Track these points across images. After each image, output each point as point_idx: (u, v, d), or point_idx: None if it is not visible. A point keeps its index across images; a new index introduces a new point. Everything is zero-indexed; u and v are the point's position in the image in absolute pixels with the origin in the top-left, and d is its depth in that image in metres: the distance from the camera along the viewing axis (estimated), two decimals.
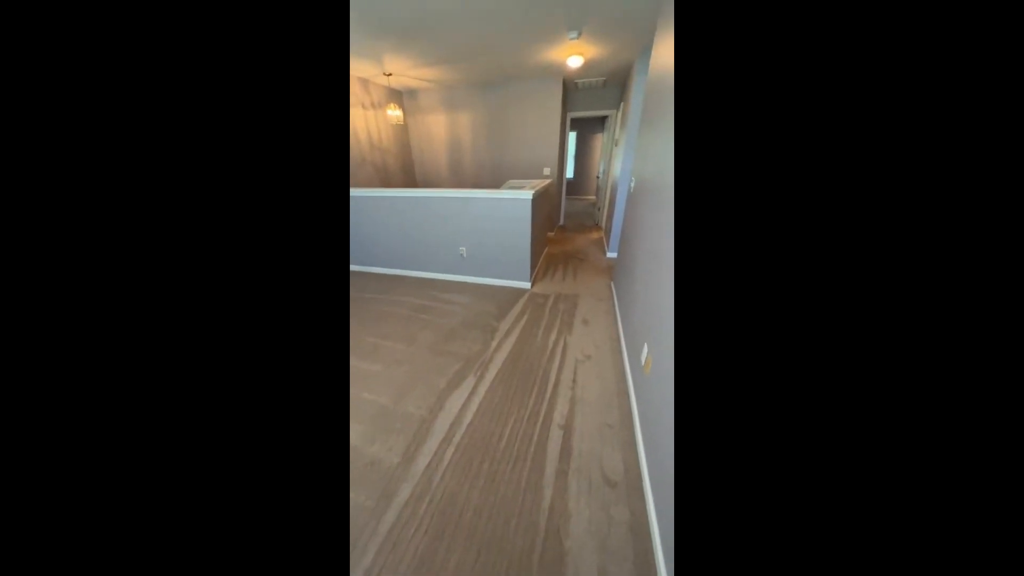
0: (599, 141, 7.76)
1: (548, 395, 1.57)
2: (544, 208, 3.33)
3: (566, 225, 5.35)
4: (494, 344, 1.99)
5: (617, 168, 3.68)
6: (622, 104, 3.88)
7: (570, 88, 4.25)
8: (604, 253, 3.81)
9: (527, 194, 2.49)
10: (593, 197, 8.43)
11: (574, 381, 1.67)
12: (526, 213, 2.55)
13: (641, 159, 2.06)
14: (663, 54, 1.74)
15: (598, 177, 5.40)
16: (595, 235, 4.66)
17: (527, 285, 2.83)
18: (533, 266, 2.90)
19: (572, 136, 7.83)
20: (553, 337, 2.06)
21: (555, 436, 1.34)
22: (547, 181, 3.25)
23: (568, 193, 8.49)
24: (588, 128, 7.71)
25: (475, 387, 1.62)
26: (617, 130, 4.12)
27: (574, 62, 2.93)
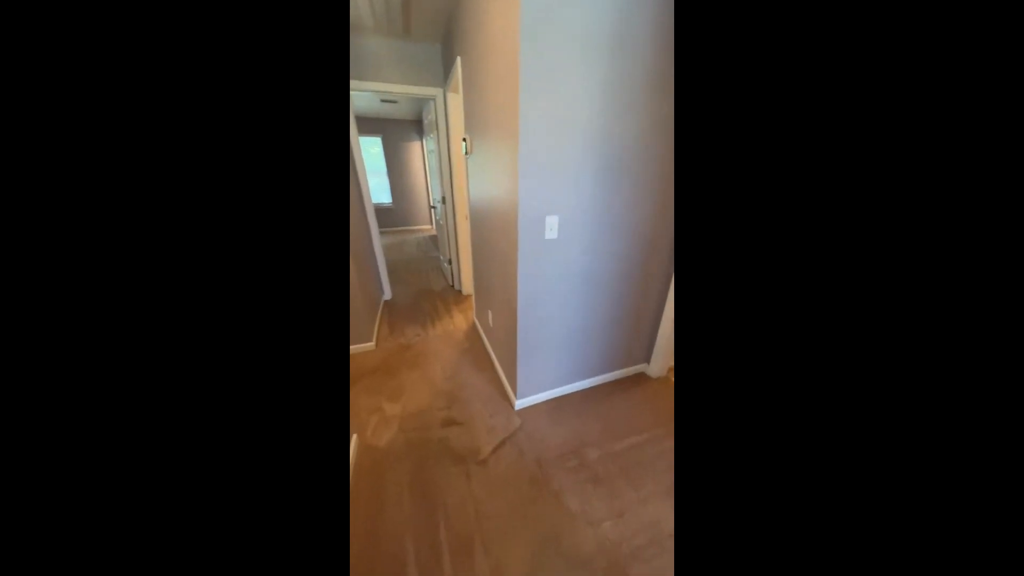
0: (417, 150, 5.53)
1: None
2: None
3: (396, 299, 2.85)
4: None
5: (486, 191, 1.52)
6: (456, 71, 1.74)
7: None
8: (511, 400, 1.60)
9: None
10: (428, 227, 6.15)
11: None
12: None
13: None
14: None
15: (433, 208, 3.19)
16: (460, 321, 2.41)
17: None
18: None
19: (377, 142, 5.26)
20: None
21: None
22: None
23: (384, 225, 5.86)
24: (397, 133, 5.34)
25: None
26: (458, 125, 1.95)
27: None
